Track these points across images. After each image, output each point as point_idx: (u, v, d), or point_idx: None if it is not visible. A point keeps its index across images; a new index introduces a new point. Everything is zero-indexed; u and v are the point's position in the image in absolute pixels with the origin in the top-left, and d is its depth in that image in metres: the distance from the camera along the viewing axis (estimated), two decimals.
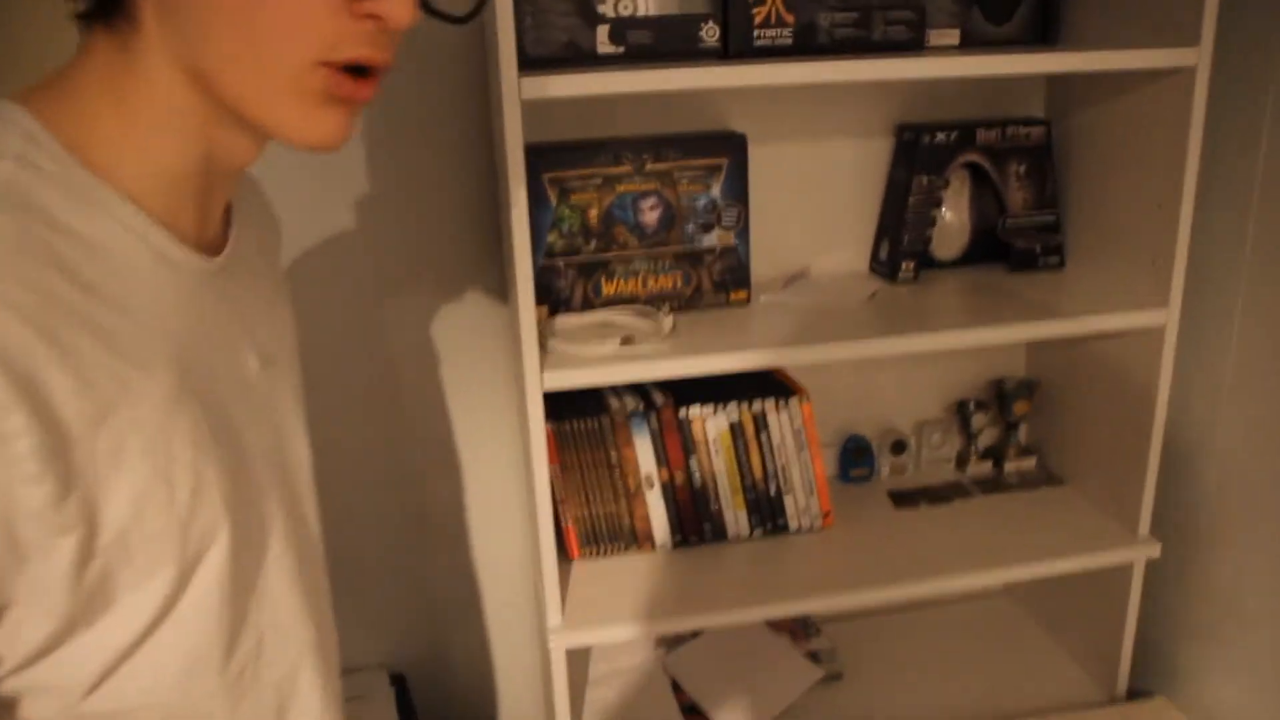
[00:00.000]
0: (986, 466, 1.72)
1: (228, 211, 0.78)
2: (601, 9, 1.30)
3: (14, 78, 0.73)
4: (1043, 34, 1.51)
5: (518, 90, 1.14)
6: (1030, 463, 1.72)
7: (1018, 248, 1.59)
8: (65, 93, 0.65)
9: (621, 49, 1.30)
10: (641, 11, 1.32)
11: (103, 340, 0.61)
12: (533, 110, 1.17)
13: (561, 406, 1.45)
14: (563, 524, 1.47)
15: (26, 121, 0.62)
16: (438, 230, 1.52)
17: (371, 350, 1.56)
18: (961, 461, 1.73)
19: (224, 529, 0.69)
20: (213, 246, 0.73)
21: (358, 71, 0.66)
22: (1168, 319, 1.40)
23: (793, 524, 1.55)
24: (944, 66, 1.26)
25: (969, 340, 1.36)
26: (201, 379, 0.69)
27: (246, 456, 0.74)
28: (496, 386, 1.61)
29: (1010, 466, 1.71)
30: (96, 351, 0.60)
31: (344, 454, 1.59)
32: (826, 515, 1.56)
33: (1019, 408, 1.68)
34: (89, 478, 0.60)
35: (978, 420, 1.70)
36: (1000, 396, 1.70)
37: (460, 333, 1.58)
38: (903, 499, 1.65)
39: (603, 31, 1.29)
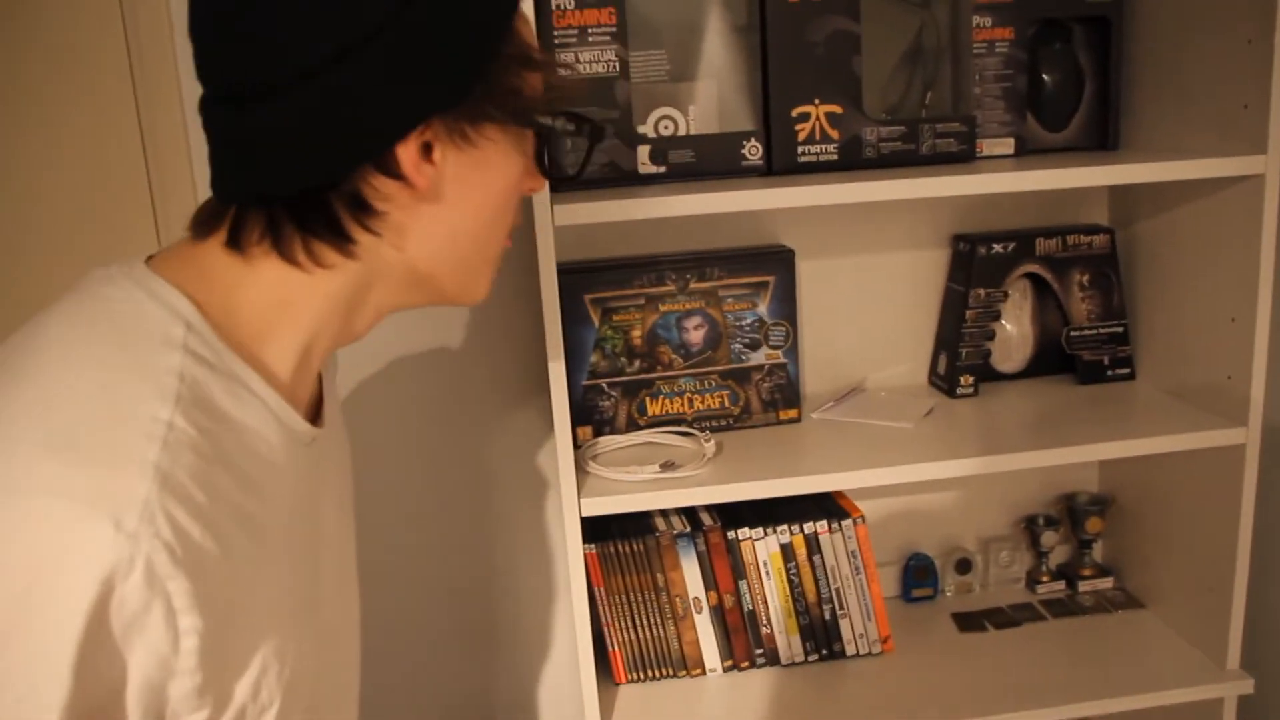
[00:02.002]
0: (1059, 587, 1.63)
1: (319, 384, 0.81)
2: (642, 129, 1.30)
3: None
4: (1101, 139, 1.47)
5: (550, 216, 1.13)
6: (1107, 583, 1.62)
7: (1085, 360, 1.52)
8: (220, 283, 0.67)
9: (663, 168, 1.29)
10: (683, 131, 1.31)
11: (248, 529, 0.64)
12: (574, 230, 1.17)
13: (607, 528, 1.42)
14: (608, 647, 1.43)
15: (184, 307, 0.64)
16: (488, 351, 1.52)
17: (424, 469, 1.55)
18: (1032, 581, 1.64)
19: (315, 691, 0.72)
20: (311, 417, 0.76)
21: None
22: (1248, 437, 1.32)
23: (849, 649, 1.48)
24: (998, 182, 1.23)
25: (1038, 461, 1.30)
26: (307, 547, 0.73)
27: (330, 614, 0.78)
28: (546, 506, 1.59)
29: (1085, 587, 1.62)
30: (248, 544, 0.63)
31: (397, 571, 1.57)
32: (886, 640, 1.48)
33: (1092, 525, 1.60)
34: (228, 666, 0.62)
35: (1048, 538, 1.62)
36: (1072, 513, 1.61)
37: (510, 452, 1.56)
38: (968, 621, 1.56)
39: (644, 152, 1.29)
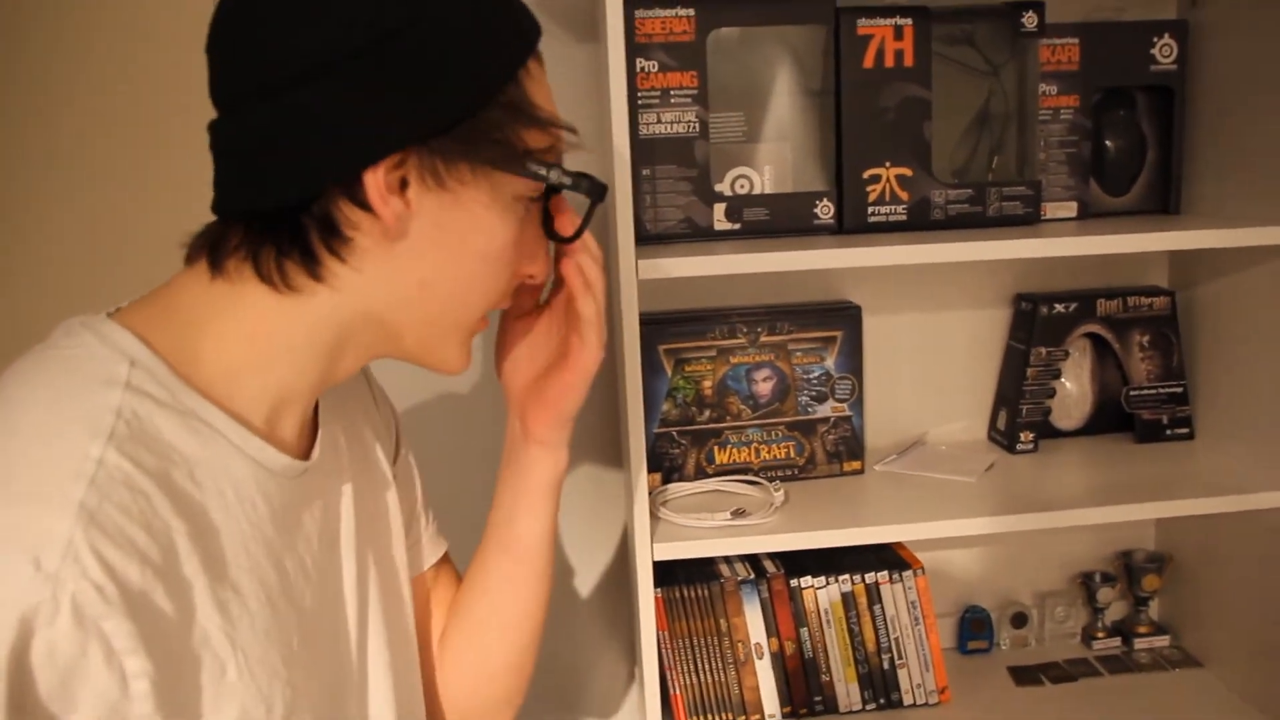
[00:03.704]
0: (1114, 644, 1.64)
1: (315, 412, 0.80)
2: (719, 188, 1.35)
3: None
4: (1163, 203, 1.50)
5: (635, 271, 1.18)
6: (1163, 641, 1.63)
7: (1144, 419, 1.54)
8: (173, 315, 0.68)
9: (737, 225, 1.33)
10: (758, 190, 1.36)
11: (208, 571, 0.62)
12: (650, 282, 1.21)
13: (673, 573, 1.45)
14: (670, 691, 1.45)
15: (131, 345, 0.64)
16: None
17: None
18: (1087, 637, 1.65)
19: None
20: (304, 449, 0.75)
21: None
22: None
23: (907, 699, 1.50)
24: (1062, 246, 1.26)
25: (1096, 518, 1.32)
26: (295, 585, 0.71)
27: (335, 647, 0.76)
28: (611, 550, 1.62)
29: (1141, 645, 1.63)
30: (207, 582, 0.62)
31: None
32: (943, 691, 1.50)
33: (1149, 582, 1.61)
34: (194, 712, 0.61)
35: (1104, 594, 1.63)
36: (1128, 570, 1.63)
37: (574, 495, 1.60)
38: (1024, 675, 1.58)
39: (719, 209, 1.33)
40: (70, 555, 0.54)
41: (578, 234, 0.81)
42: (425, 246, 0.68)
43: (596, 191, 0.74)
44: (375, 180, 0.64)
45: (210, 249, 0.68)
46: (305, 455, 0.75)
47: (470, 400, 1.56)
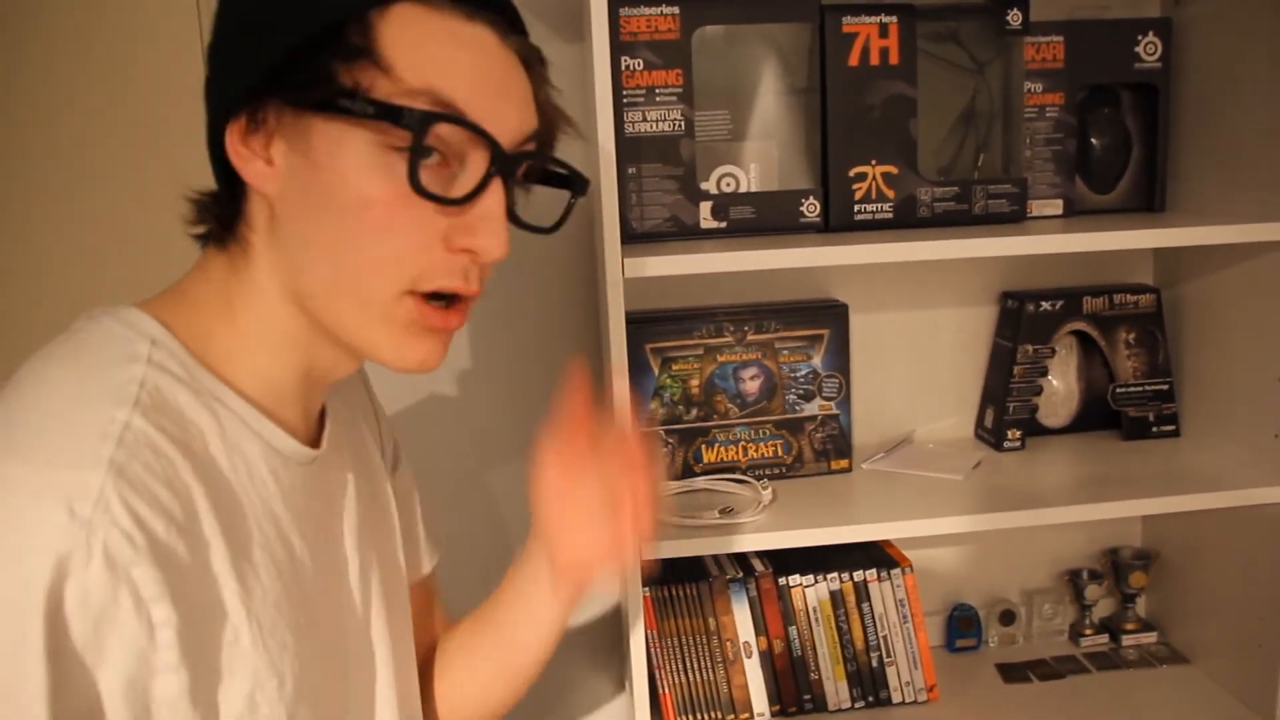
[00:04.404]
0: (1102, 640, 1.64)
1: (322, 410, 0.82)
2: (704, 186, 1.35)
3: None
4: (1148, 201, 1.51)
5: (621, 269, 1.18)
6: (1151, 638, 1.63)
7: (1130, 416, 1.55)
8: (185, 303, 0.71)
9: (724, 224, 1.33)
10: (744, 188, 1.36)
11: (225, 537, 0.64)
12: (636, 281, 1.21)
13: (660, 571, 1.45)
14: (659, 690, 1.45)
15: (152, 327, 0.67)
16: (547, 399, 1.56)
17: (476, 510, 1.59)
18: (1075, 634, 1.66)
19: (324, 713, 0.71)
20: (310, 442, 0.77)
21: (448, 299, 0.70)
22: None
23: (896, 696, 1.50)
24: (1047, 243, 1.26)
25: (1082, 515, 1.32)
26: (303, 566, 0.72)
27: (351, 637, 0.77)
28: None
29: (1128, 641, 1.63)
30: (224, 547, 0.64)
31: (455, 610, 1.60)
32: (932, 689, 1.50)
33: (1136, 579, 1.62)
34: (213, 670, 0.63)
35: (1091, 591, 1.64)
36: (1116, 567, 1.63)
37: None
38: (1012, 672, 1.58)
39: (705, 207, 1.33)
40: (102, 504, 0.56)
41: (557, 226, 0.76)
42: (296, 206, 0.67)
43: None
44: (231, 140, 0.67)
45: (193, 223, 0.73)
46: (312, 447, 0.77)
47: (462, 403, 1.56)
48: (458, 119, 0.65)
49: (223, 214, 0.71)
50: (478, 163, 0.67)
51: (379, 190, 0.65)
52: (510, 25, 0.71)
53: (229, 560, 0.64)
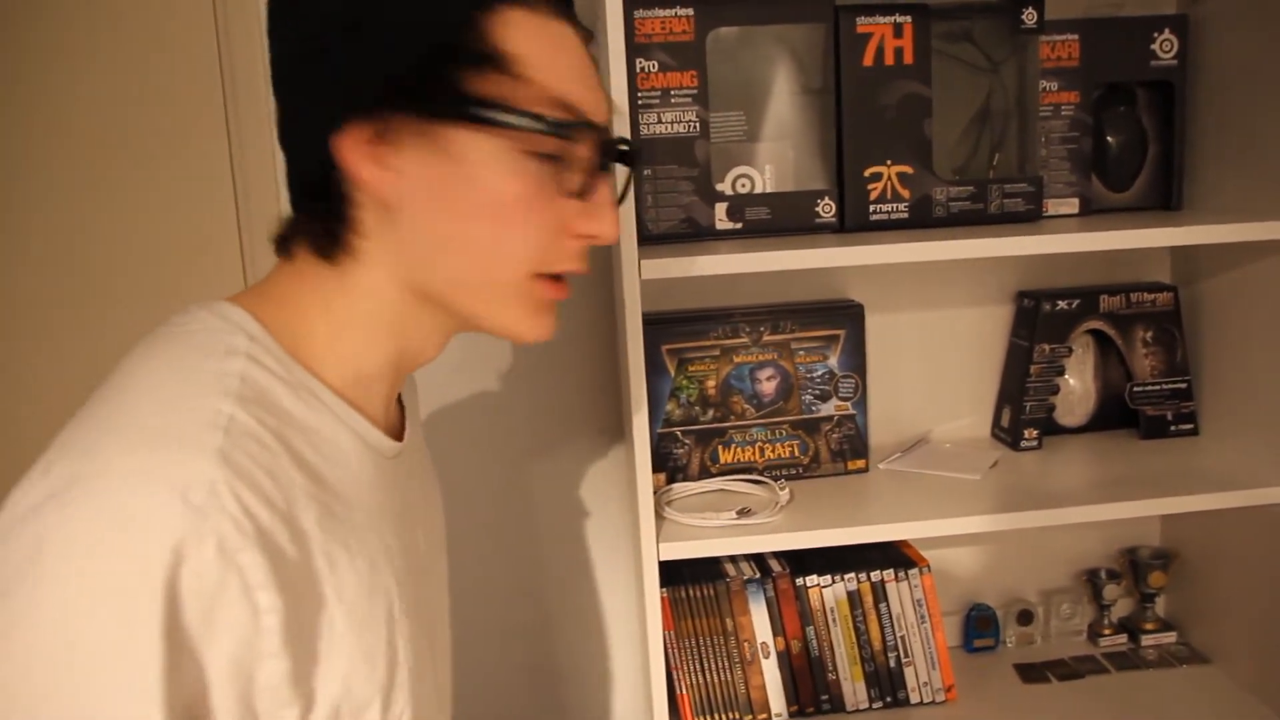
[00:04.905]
0: (1121, 640, 1.64)
1: (400, 409, 0.84)
2: (720, 187, 1.35)
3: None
4: (1165, 199, 1.50)
5: (638, 270, 1.18)
6: (1170, 638, 1.63)
7: (1148, 415, 1.54)
8: (274, 300, 0.72)
9: (739, 224, 1.34)
10: (759, 189, 1.36)
11: (325, 525, 0.66)
12: (652, 283, 1.21)
13: (679, 572, 1.45)
14: (676, 691, 1.45)
15: (249, 323, 0.69)
16: (560, 396, 1.57)
17: (491, 510, 1.60)
18: (1093, 634, 1.65)
19: (409, 700, 0.73)
20: (392, 434, 0.79)
21: (557, 274, 0.75)
22: None
23: (914, 697, 1.49)
24: (1063, 242, 1.26)
25: (1101, 515, 1.32)
26: (392, 556, 0.74)
27: (421, 629, 0.79)
28: (618, 550, 1.63)
29: (1147, 641, 1.62)
30: (321, 536, 0.66)
31: (464, 611, 1.61)
32: (950, 689, 1.50)
33: (1155, 579, 1.61)
34: (311, 655, 0.64)
35: (1110, 591, 1.63)
36: (1134, 566, 1.63)
37: (580, 496, 1.60)
38: (1031, 672, 1.58)
39: (721, 208, 1.33)
40: (213, 492, 0.58)
41: (619, 200, 0.79)
42: (426, 210, 0.68)
43: (631, 159, 0.73)
44: (350, 149, 0.66)
45: (281, 236, 0.74)
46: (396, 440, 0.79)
47: (477, 404, 1.56)
48: (590, 124, 0.70)
49: (329, 224, 0.70)
50: (588, 154, 0.71)
51: (517, 191, 0.69)
52: (574, 15, 0.75)
53: (324, 548, 0.66)
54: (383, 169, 0.67)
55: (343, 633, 0.66)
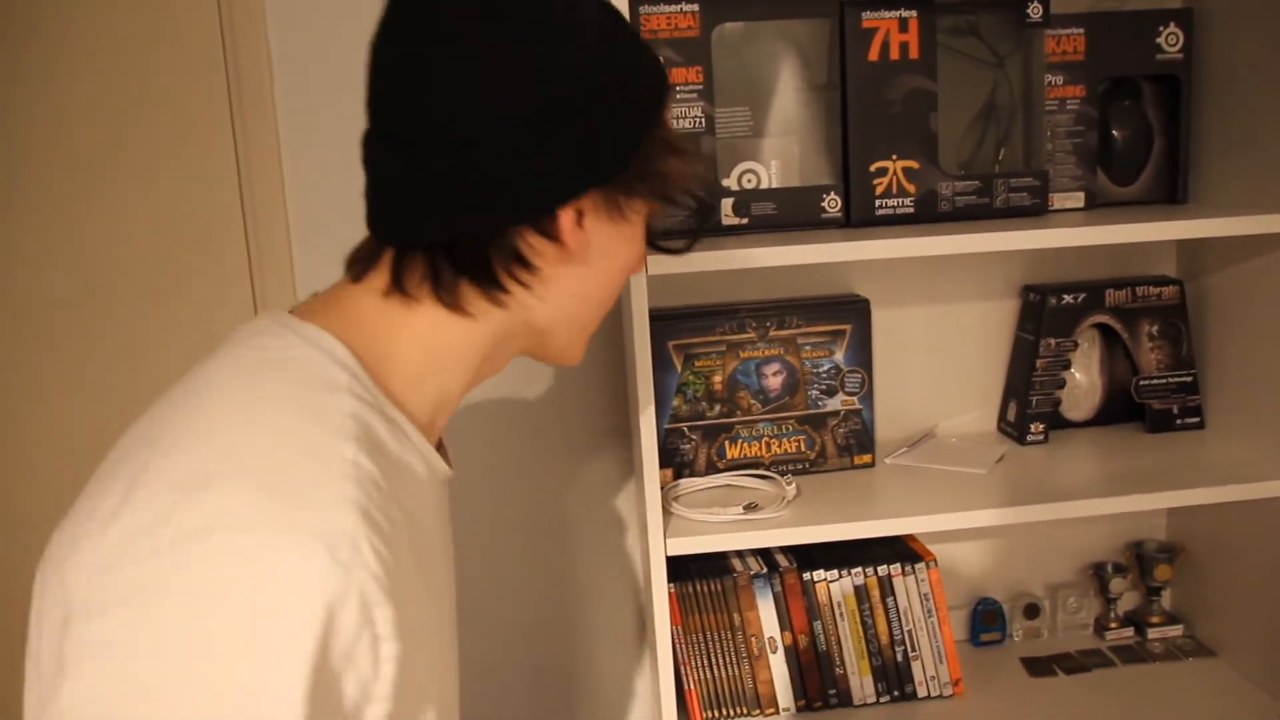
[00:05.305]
0: (1127, 634, 1.64)
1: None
2: (726, 183, 1.35)
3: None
4: (1170, 193, 1.50)
5: (644, 266, 1.18)
6: (1176, 631, 1.63)
7: (1154, 409, 1.54)
8: (366, 329, 0.70)
9: (745, 220, 1.34)
10: (765, 184, 1.36)
11: (418, 564, 0.67)
12: (658, 278, 1.21)
13: (686, 568, 1.46)
14: (684, 686, 1.46)
15: (340, 352, 0.68)
16: (566, 392, 1.57)
17: (498, 508, 1.60)
18: (1100, 628, 1.65)
19: (437, 712, 0.74)
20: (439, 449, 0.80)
21: None
22: None
23: (921, 691, 1.50)
24: (1069, 236, 1.26)
25: (1107, 508, 1.32)
26: (443, 579, 0.76)
27: (451, 646, 0.81)
28: (620, 545, 1.63)
29: (1154, 634, 1.63)
30: (415, 575, 0.66)
31: (472, 609, 1.61)
32: (957, 683, 1.50)
33: (1161, 573, 1.61)
34: (409, 696, 0.64)
35: (1116, 584, 1.63)
36: (1140, 560, 1.63)
37: (586, 492, 1.61)
38: (1038, 666, 1.58)
39: (727, 204, 1.33)
40: (355, 547, 0.58)
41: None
42: (592, 267, 0.74)
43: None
44: (567, 217, 0.70)
45: (393, 273, 0.71)
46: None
47: (483, 402, 1.57)
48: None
49: (482, 278, 0.70)
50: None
51: (643, 247, 0.79)
52: None
53: (418, 588, 0.66)
54: (580, 231, 0.71)
55: (430, 668, 0.68)
